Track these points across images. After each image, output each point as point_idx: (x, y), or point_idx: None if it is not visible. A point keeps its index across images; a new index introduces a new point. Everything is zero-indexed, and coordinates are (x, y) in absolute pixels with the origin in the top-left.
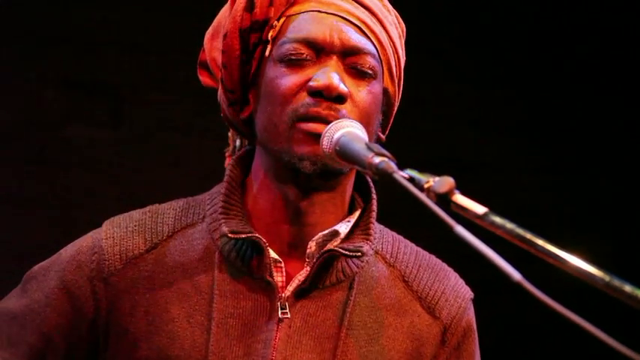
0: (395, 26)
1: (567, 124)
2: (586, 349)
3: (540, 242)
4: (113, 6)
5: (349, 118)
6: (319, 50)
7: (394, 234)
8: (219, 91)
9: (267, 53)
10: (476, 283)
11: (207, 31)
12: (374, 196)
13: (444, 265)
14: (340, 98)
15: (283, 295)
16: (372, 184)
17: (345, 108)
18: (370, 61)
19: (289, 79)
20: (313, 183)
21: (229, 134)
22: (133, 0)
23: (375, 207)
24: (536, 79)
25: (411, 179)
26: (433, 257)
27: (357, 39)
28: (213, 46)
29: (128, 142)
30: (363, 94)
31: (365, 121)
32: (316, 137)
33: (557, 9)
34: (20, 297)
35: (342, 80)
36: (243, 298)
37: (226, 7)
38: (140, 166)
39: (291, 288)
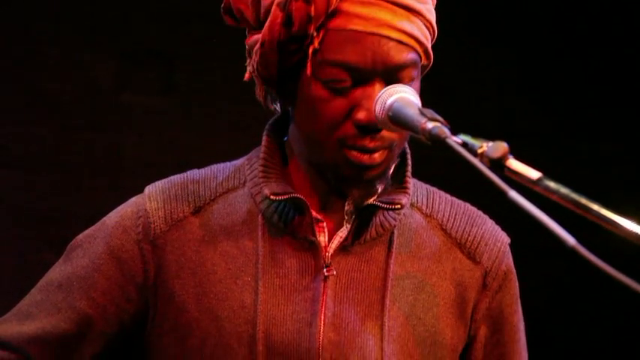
0: (432, 2)
1: (623, 92)
2: None
3: (595, 207)
4: None
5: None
6: (360, 74)
7: (428, 186)
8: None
9: (308, 71)
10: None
11: None
12: (408, 150)
13: (480, 212)
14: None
15: (327, 253)
16: None
17: (390, 128)
18: (412, 72)
19: (333, 105)
20: None
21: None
22: None
23: (409, 160)
24: (592, 46)
25: (465, 144)
26: (468, 205)
27: (397, 57)
28: None
29: (179, 110)
30: None
31: None
32: (362, 167)
33: None
34: (64, 265)
35: None
36: (288, 258)
37: None
38: (191, 133)
39: (333, 245)
